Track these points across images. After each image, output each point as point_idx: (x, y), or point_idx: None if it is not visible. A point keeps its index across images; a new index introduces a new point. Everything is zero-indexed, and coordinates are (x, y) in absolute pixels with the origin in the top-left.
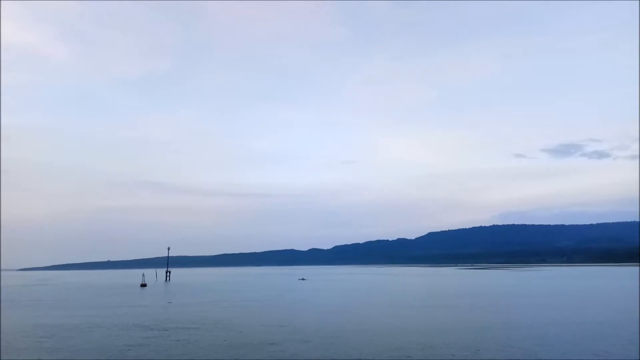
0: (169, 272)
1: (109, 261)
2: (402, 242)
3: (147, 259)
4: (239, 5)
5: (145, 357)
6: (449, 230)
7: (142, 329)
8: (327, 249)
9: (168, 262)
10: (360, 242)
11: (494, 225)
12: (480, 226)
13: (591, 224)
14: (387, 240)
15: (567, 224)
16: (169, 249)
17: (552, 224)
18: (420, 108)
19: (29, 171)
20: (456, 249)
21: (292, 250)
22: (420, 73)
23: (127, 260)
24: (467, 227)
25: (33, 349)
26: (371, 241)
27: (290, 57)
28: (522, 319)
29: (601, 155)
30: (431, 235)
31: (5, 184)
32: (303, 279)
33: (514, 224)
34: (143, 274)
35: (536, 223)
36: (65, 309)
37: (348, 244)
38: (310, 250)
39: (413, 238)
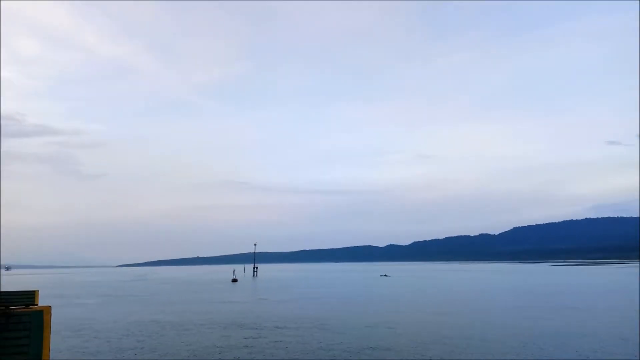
0: (256, 268)
1: (197, 257)
2: (485, 238)
3: (233, 255)
4: (311, 4)
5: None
6: (536, 224)
7: (239, 327)
8: (406, 245)
9: (255, 258)
10: (440, 237)
11: (586, 218)
12: (572, 220)
13: None
14: (469, 235)
15: None
16: (255, 245)
17: None
18: (501, 97)
19: (125, 175)
20: (545, 245)
21: (370, 247)
22: (502, 60)
23: (214, 257)
24: (557, 221)
25: (129, 349)
26: (451, 237)
27: (366, 54)
28: None
29: None
30: (517, 230)
31: (104, 188)
32: (385, 275)
33: (609, 217)
34: (234, 270)
35: (634, 215)
36: (161, 305)
37: (427, 239)
38: (387, 246)
39: (497, 233)
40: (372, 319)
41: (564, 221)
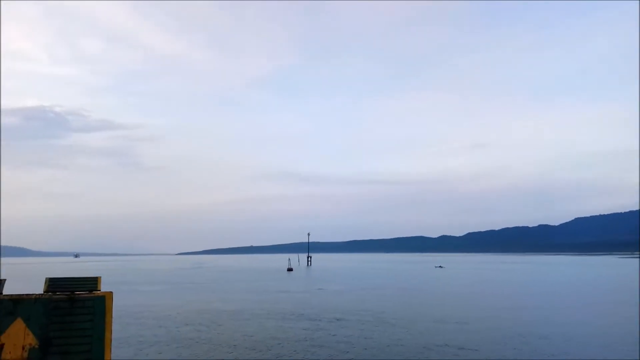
0: (310, 257)
1: (251, 246)
2: (544, 229)
3: (285, 244)
4: None
5: (308, 355)
6: (599, 215)
7: (298, 318)
8: (459, 236)
9: (309, 248)
10: (496, 228)
11: None
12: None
13: None
14: (527, 226)
15: None
16: (309, 234)
17: None
18: (563, 81)
19: (182, 166)
20: (609, 236)
21: (422, 237)
22: (566, 41)
23: (267, 246)
24: (622, 212)
25: (187, 339)
26: (508, 228)
27: (420, 41)
28: None
29: None
30: (579, 221)
31: (163, 179)
32: (440, 266)
33: None
34: (289, 259)
35: None
36: (219, 293)
37: (482, 230)
38: (440, 237)
39: (557, 224)
40: (437, 313)
41: (630, 211)
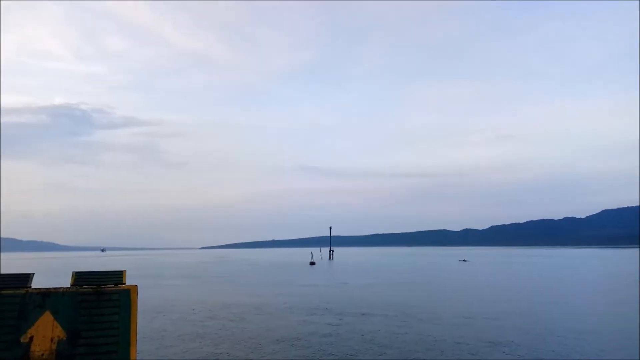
0: (332, 251)
1: (273, 240)
2: (570, 221)
3: (307, 238)
4: None
5: (334, 350)
6: (628, 207)
7: (322, 312)
8: (483, 229)
9: (331, 241)
10: (521, 221)
11: None
12: None
13: None
14: (552, 219)
15: None
16: (330, 228)
17: None
18: (594, 69)
19: (205, 161)
20: (638, 228)
21: (444, 231)
22: (599, 27)
23: (289, 240)
24: None
25: (211, 333)
26: (533, 220)
27: (443, 31)
28: None
29: None
30: (606, 213)
31: (186, 175)
32: (464, 260)
33: None
34: (311, 253)
35: None
36: (243, 287)
37: (506, 223)
38: (463, 230)
39: (584, 216)
40: (464, 308)
41: None
